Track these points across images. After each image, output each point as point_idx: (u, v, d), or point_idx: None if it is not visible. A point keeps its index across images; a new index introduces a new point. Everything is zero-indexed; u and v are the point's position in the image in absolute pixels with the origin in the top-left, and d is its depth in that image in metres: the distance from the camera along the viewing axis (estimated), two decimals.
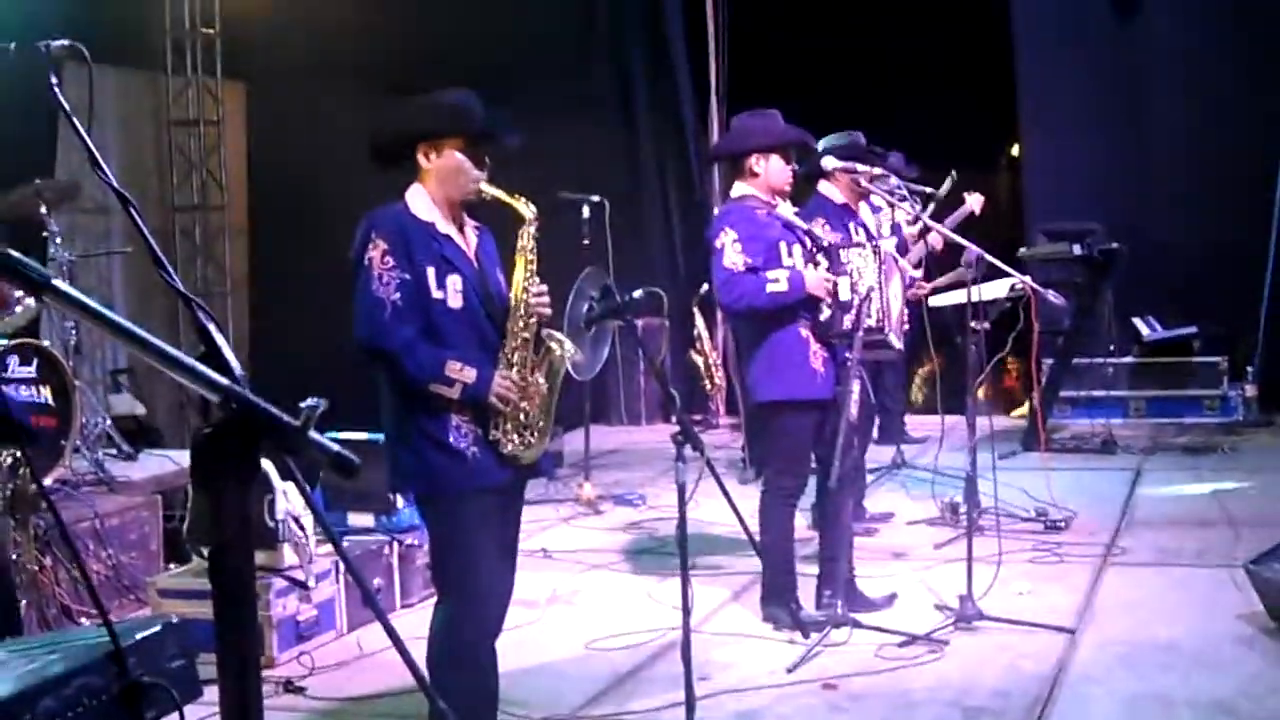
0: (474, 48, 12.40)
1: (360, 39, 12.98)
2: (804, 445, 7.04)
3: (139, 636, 3.20)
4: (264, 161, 14.25)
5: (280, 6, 13.19)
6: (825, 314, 6.90)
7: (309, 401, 2.06)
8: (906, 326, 7.55)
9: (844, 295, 6.83)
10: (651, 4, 14.93)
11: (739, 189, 7.15)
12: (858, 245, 7.13)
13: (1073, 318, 11.84)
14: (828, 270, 6.89)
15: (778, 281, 6.79)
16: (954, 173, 10.19)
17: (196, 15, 13.53)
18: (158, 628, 3.28)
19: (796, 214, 7.22)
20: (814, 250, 7.01)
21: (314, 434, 2.04)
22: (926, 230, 8.87)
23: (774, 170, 7.06)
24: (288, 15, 13.12)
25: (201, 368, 2.12)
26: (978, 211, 10.45)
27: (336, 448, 2.07)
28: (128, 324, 2.18)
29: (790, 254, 6.96)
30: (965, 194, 10.43)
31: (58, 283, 2.19)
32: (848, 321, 6.82)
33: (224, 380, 2.08)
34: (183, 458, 9.23)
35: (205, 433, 2.05)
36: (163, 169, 13.67)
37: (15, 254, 2.25)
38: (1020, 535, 8.66)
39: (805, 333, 6.93)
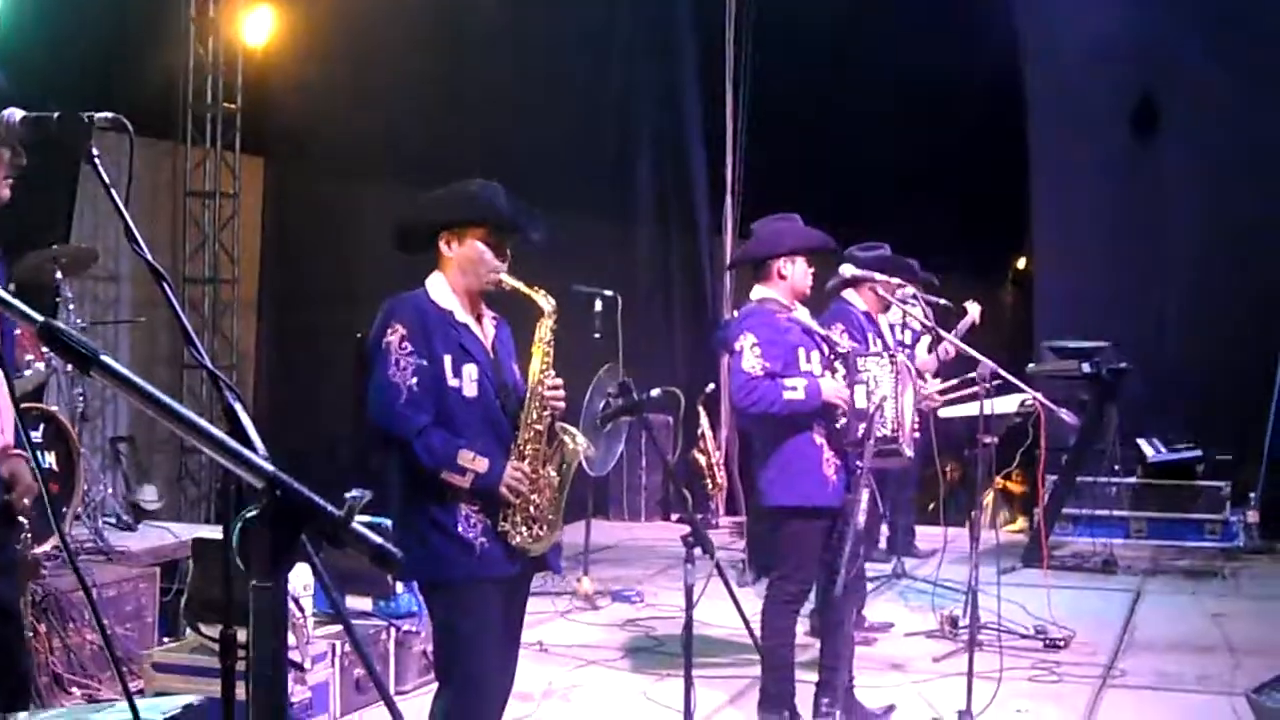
0: (490, 138, 12.47)
1: (381, 123, 13.04)
2: (812, 552, 6.98)
3: (159, 718, 3.16)
4: (277, 237, 14.28)
5: (303, 86, 13.25)
6: (841, 422, 6.89)
7: (354, 493, 2.05)
8: (917, 434, 7.54)
9: (860, 403, 6.82)
10: (671, 104, 15.02)
11: (760, 292, 7.14)
12: (875, 354, 7.14)
13: (1078, 436, 11.82)
14: (844, 378, 6.89)
15: (795, 390, 6.77)
16: (935, 280, 10.17)
17: (220, 90, 13.59)
18: (177, 710, 3.25)
19: (818, 319, 7.23)
20: (831, 357, 7.01)
21: (357, 526, 2.02)
22: (939, 340, 8.89)
23: (799, 274, 7.07)
24: (310, 94, 13.18)
25: (247, 453, 2.10)
26: (978, 320, 10.45)
27: (379, 540, 2.05)
28: (174, 403, 2.17)
29: (809, 360, 6.95)
30: (965, 303, 10.43)
31: (105, 357, 2.18)
32: (862, 429, 6.80)
33: (269, 466, 2.06)
34: (181, 530, 9.19)
35: (248, 518, 2.03)
36: (176, 240, 13.68)
37: (63, 326, 2.24)
38: (1019, 652, 8.59)
39: (819, 439, 6.92)
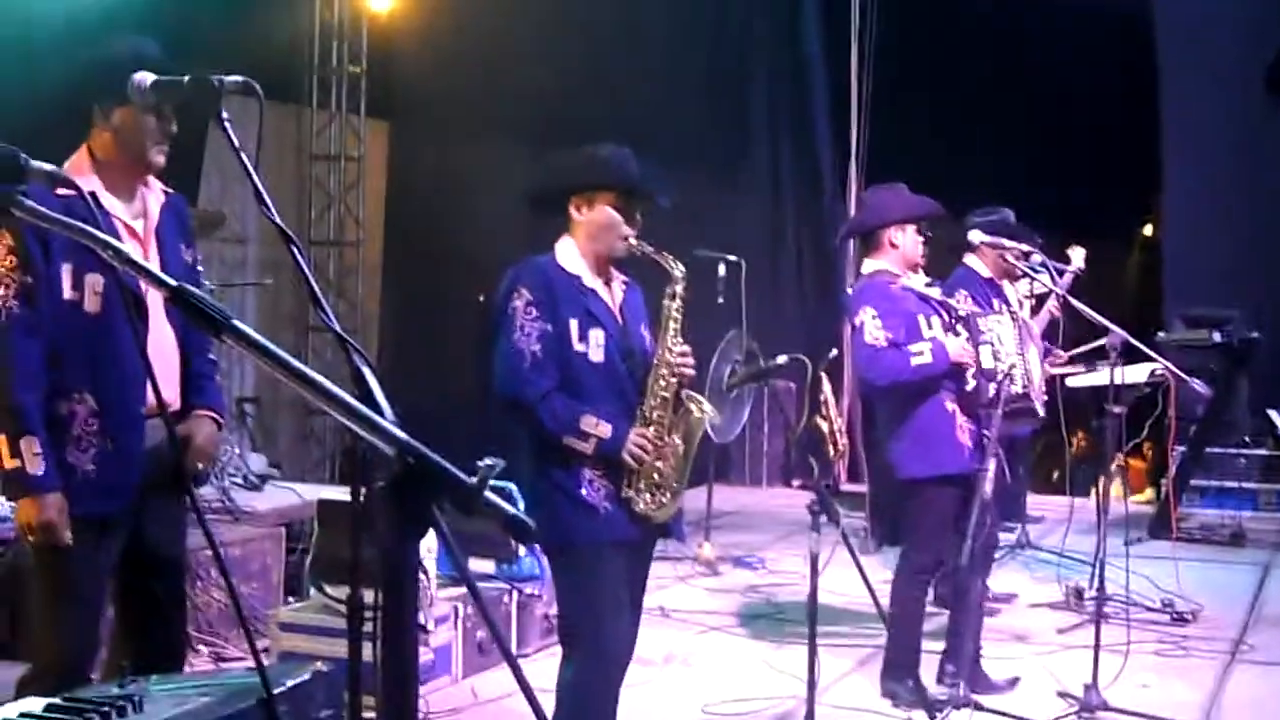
0: (618, 102, 12.42)
1: (506, 87, 13.04)
2: (946, 522, 6.89)
3: (289, 684, 3.18)
4: (401, 200, 14.36)
5: (428, 49, 13.30)
6: (971, 384, 6.82)
7: (486, 461, 2.02)
8: (1045, 396, 7.45)
9: (986, 363, 6.75)
10: (796, 68, 14.93)
11: (871, 264, 7.09)
12: (995, 314, 7.07)
13: (1207, 406, 11.61)
14: (968, 340, 6.82)
15: (922, 354, 6.72)
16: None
17: (345, 53, 13.67)
18: (308, 676, 3.27)
19: (938, 285, 7.16)
20: (952, 320, 6.94)
21: (490, 494, 2.00)
22: (1044, 297, 8.76)
23: (909, 243, 7.02)
24: (434, 58, 13.23)
25: (380, 420, 2.09)
26: (1083, 268, 10.17)
27: (512, 510, 2.03)
28: (305, 369, 2.16)
29: (930, 326, 6.89)
30: (1068, 250, 10.16)
31: (237, 322, 2.18)
32: (993, 390, 6.73)
33: (402, 435, 2.05)
34: (306, 491, 9.27)
35: (382, 486, 2.02)
36: (301, 202, 13.80)
37: (195, 290, 2.24)
38: (1145, 626, 8.46)
39: (951, 406, 6.86)
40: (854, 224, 7.32)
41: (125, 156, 4.69)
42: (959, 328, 6.92)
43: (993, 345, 6.81)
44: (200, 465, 4.90)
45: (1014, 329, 6.92)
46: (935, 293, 7.07)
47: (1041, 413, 7.13)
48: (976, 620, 7.11)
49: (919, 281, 7.06)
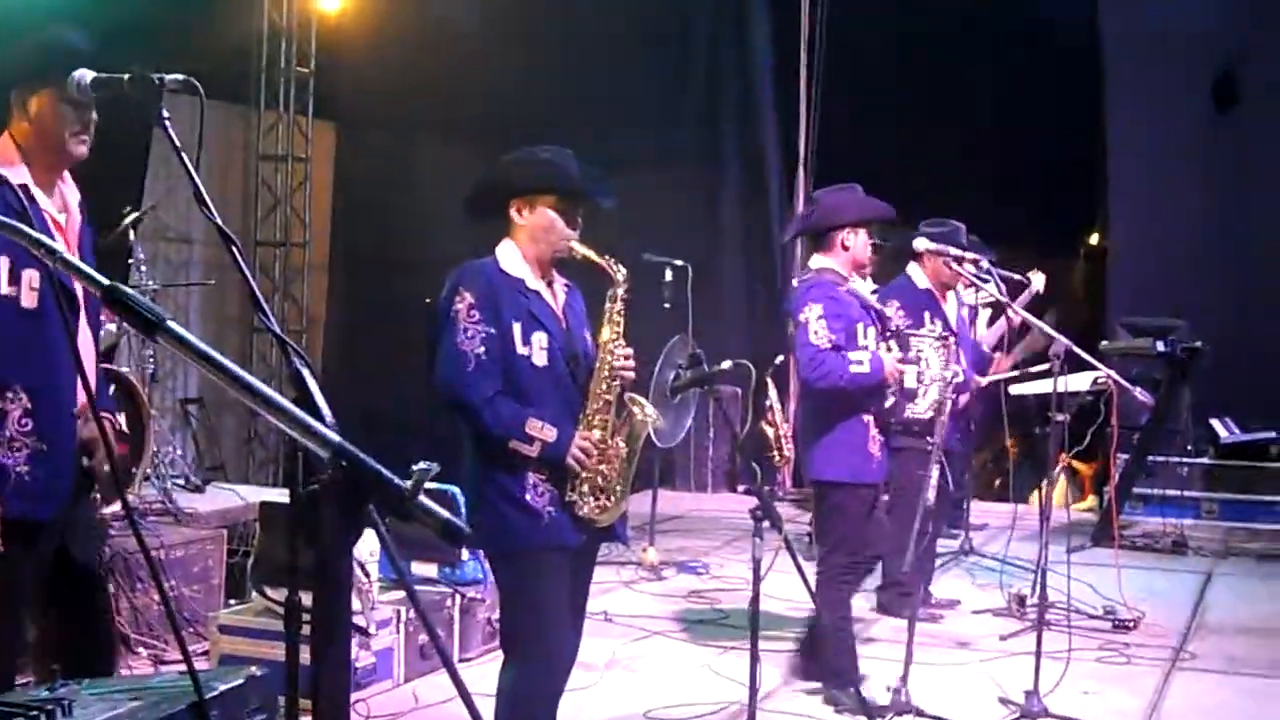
0: (565, 103, 12.42)
1: (454, 89, 13.02)
2: (858, 524, 6.98)
3: (221, 689, 3.15)
4: (348, 201, 14.31)
5: (376, 51, 13.26)
6: (890, 400, 6.90)
7: (420, 465, 2.01)
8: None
9: (909, 383, 6.84)
10: (745, 74, 14.94)
11: (819, 261, 7.10)
12: (928, 335, 7.14)
13: (1151, 415, 11.68)
14: (898, 357, 6.89)
15: (861, 365, 6.77)
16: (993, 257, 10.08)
17: (293, 54, 13.62)
18: (241, 680, 3.24)
19: (874, 293, 7.21)
20: (886, 334, 7.00)
21: (423, 499, 1.99)
22: (1002, 309, 8.80)
23: (860, 245, 7.05)
24: (382, 60, 13.19)
25: (314, 422, 2.07)
26: (1041, 291, 10.25)
27: (446, 514, 2.02)
28: (239, 370, 2.14)
29: (865, 335, 6.94)
30: (1029, 274, 10.22)
31: (171, 323, 2.16)
32: (910, 410, 6.86)
33: (335, 437, 2.03)
34: (249, 493, 9.22)
35: (312, 489, 2.00)
36: (247, 203, 13.74)
37: (128, 290, 2.22)
38: (1087, 633, 8.49)
39: (867, 417, 6.93)
40: (806, 223, 7.31)
41: (44, 146, 4.53)
42: (891, 343, 6.98)
43: (919, 366, 6.89)
44: (106, 468, 4.80)
45: (943, 352, 6.99)
46: (873, 300, 7.13)
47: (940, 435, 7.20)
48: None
49: (865, 288, 7.10)
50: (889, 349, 6.94)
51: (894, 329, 7.02)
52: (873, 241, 7.15)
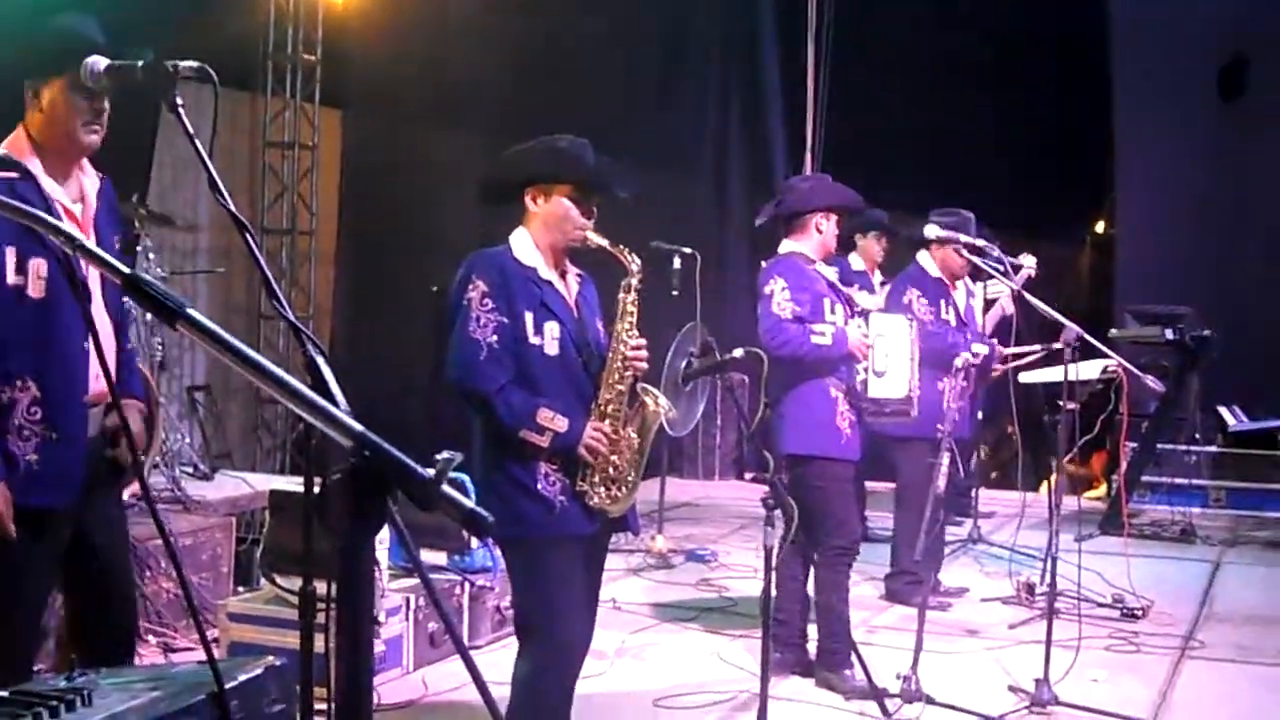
0: (573, 92, 12.38)
1: (461, 77, 12.98)
2: (843, 500, 7.02)
3: (241, 679, 3.14)
4: (355, 189, 14.25)
5: (383, 38, 13.22)
6: (861, 377, 7.01)
7: (444, 455, 2.00)
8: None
9: (879, 365, 6.89)
10: (753, 61, 14.92)
11: (788, 245, 7.26)
12: (898, 316, 7.38)
13: (1159, 403, 11.67)
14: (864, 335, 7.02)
15: (823, 336, 6.94)
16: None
17: (300, 41, 13.57)
18: (260, 670, 3.23)
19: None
20: (853, 312, 7.08)
21: (446, 489, 1.98)
22: (990, 301, 8.89)
23: (831, 231, 7.23)
24: (389, 46, 13.14)
25: (336, 411, 2.06)
26: (1033, 273, 10.21)
27: (470, 504, 2.01)
28: (260, 359, 2.12)
29: (833, 311, 7.09)
30: (1020, 256, 10.17)
31: (192, 311, 2.14)
32: (880, 389, 6.98)
33: (358, 426, 2.02)
34: (257, 480, 9.22)
35: (334, 478, 1.99)
36: (254, 190, 13.69)
37: (149, 278, 2.21)
38: (1096, 621, 8.49)
39: (835, 392, 7.04)
40: (780, 207, 7.37)
41: (56, 137, 4.52)
42: (859, 320, 7.08)
43: (885, 346, 6.99)
44: (138, 455, 4.81)
45: (911, 334, 7.06)
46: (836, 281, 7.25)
47: (916, 413, 7.20)
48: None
49: (830, 272, 7.24)
50: (858, 327, 7.06)
51: (860, 310, 7.13)
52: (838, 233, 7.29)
